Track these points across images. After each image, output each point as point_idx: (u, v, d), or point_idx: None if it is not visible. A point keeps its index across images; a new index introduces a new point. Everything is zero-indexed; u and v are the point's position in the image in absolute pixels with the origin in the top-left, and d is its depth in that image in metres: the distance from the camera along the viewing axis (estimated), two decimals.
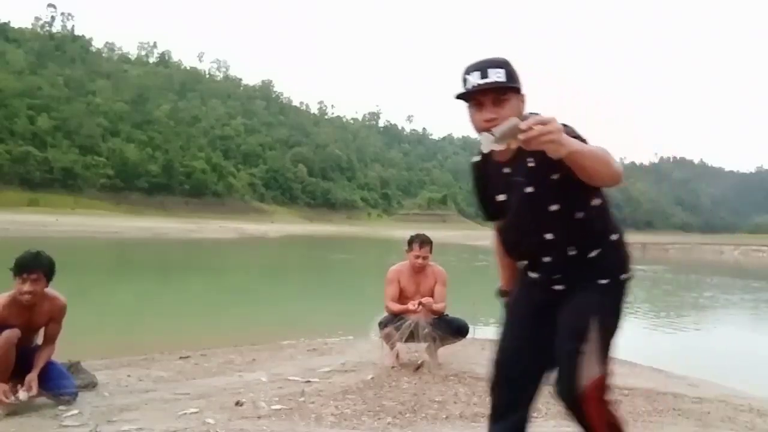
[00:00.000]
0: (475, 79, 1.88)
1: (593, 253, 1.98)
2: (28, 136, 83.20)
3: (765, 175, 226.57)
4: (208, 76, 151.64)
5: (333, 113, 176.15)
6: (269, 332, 7.54)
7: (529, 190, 1.94)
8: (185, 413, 3.55)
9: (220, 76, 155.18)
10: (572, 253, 1.97)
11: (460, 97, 1.93)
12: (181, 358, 5.36)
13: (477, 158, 2.14)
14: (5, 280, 3.60)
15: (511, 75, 1.91)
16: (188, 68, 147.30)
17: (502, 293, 2.33)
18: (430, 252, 4.91)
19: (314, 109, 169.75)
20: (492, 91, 1.88)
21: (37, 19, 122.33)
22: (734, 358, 7.56)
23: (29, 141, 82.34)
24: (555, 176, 1.89)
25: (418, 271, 4.89)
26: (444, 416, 3.63)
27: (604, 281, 1.99)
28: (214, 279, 17.07)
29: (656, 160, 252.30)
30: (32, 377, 3.58)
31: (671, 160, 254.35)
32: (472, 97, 1.90)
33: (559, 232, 1.96)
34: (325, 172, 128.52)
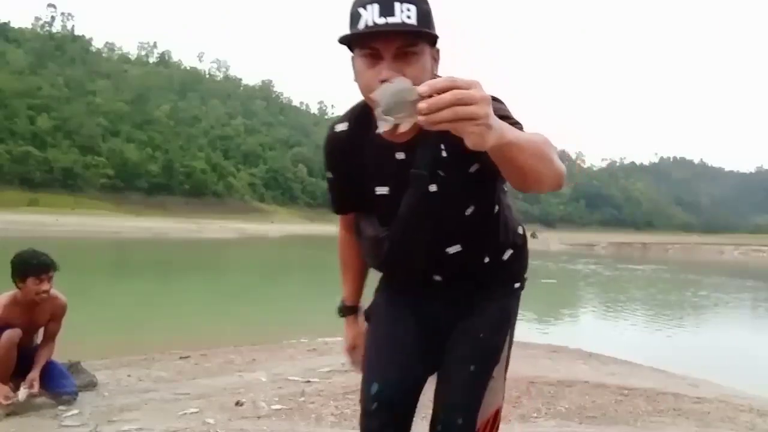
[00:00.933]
0: (372, 15, 1.24)
1: (507, 255, 1.58)
2: (28, 136, 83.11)
3: (765, 176, 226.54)
4: (208, 76, 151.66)
5: (333, 113, 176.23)
6: (269, 332, 7.54)
7: (434, 188, 1.42)
8: (185, 413, 3.55)
9: (220, 76, 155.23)
10: (486, 261, 1.55)
11: (345, 41, 1.31)
12: (181, 358, 5.37)
13: (343, 126, 1.53)
14: (5, 280, 3.60)
15: (425, 16, 1.28)
16: (188, 68, 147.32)
17: (347, 310, 1.78)
18: None
19: (314, 109, 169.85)
20: (397, 37, 1.25)
21: (37, 19, 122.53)
22: (734, 358, 7.56)
23: (29, 141, 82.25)
24: (473, 168, 1.41)
25: None
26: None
27: (516, 285, 1.62)
28: (215, 279, 17.07)
29: (656, 160, 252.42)
30: (33, 376, 3.59)
31: (671, 160, 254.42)
32: (365, 42, 1.27)
33: (471, 241, 1.51)
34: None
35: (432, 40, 1.32)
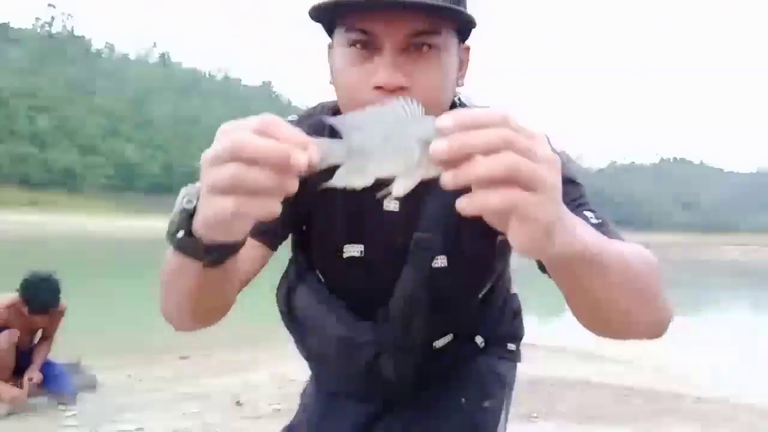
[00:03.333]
0: None
1: (502, 323, 1.17)
2: (28, 136, 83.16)
3: (765, 176, 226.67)
4: (208, 76, 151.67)
5: None
6: (269, 332, 7.51)
7: (442, 263, 0.95)
8: (185, 413, 3.55)
9: (220, 76, 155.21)
10: (480, 343, 1.12)
11: (321, 14, 0.83)
12: (181, 358, 5.37)
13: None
14: (5, 280, 3.60)
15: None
16: (188, 68, 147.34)
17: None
18: None
19: None
20: (410, 17, 0.77)
21: (37, 19, 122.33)
22: (734, 358, 7.55)
23: (29, 141, 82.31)
24: (501, 237, 0.84)
25: None
26: None
27: (511, 346, 1.17)
28: None
29: (657, 161, 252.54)
30: (32, 370, 3.61)
31: (672, 160, 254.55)
32: (353, 21, 0.80)
33: (464, 326, 1.08)
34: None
35: (464, 28, 0.85)
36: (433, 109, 0.65)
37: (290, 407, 3.74)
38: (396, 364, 1.00)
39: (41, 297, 3.57)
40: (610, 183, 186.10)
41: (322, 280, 1.05)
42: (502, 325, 1.16)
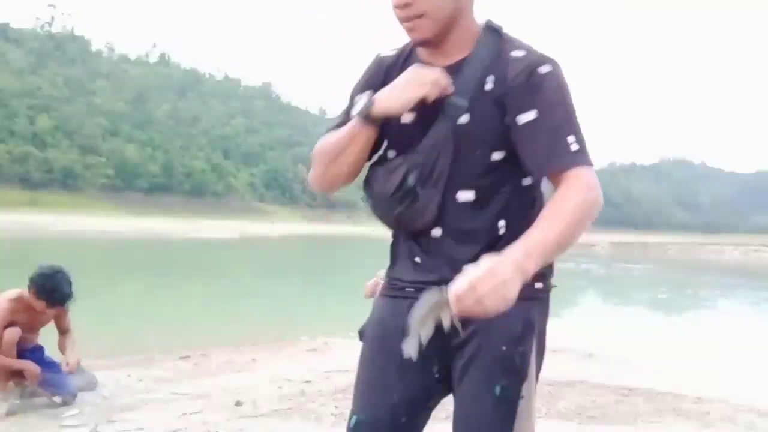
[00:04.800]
0: None
1: None
2: (28, 136, 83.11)
3: (765, 177, 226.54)
4: (207, 76, 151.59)
5: (333, 113, 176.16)
6: (269, 332, 7.54)
7: (465, 120, 1.25)
8: (185, 413, 3.55)
9: (220, 76, 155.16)
10: (500, 232, 1.29)
11: None
12: (181, 358, 5.37)
13: (391, 52, 1.38)
14: (5, 281, 3.60)
15: None
16: (188, 68, 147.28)
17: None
18: None
19: (314, 110, 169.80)
20: None
21: (37, 19, 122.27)
22: (734, 358, 7.55)
23: (29, 141, 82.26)
24: (508, 122, 1.24)
25: None
26: (444, 416, 3.62)
27: (538, 285, 1.30)
28: (215, 279, 17.06)
29: (657, 161, 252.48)
30: (71, 356, 3.67)
31: (672, 160, 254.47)
32: None
33: (486, 193, 1.29)
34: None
35: None
36: (450, 18, 1.22)
37: (290, 407, 3.75)
38: (419, 198, 1.26)
39: (63, 290, 3.57)
40: (610, 183, 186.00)
41: (385, 151, 1.36)
42: None
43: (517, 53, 1.24)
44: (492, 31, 1.28)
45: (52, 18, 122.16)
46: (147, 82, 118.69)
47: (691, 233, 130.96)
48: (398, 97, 1.23)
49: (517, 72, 1.22)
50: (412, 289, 1.31)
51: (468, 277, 1.03)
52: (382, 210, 1.32)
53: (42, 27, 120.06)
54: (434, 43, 1.25)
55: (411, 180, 1.26)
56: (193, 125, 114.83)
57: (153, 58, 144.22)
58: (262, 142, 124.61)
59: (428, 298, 1.09)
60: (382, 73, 1.35)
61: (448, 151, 1.25)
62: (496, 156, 1.25)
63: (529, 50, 1.24)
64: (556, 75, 1.22)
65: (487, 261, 1.04)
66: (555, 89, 1.21)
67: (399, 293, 1.36)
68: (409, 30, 1.23)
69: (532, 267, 1.08)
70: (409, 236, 1.34)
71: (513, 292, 1.04)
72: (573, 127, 1.21)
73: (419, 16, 1.19)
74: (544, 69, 1.21)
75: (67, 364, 3.62)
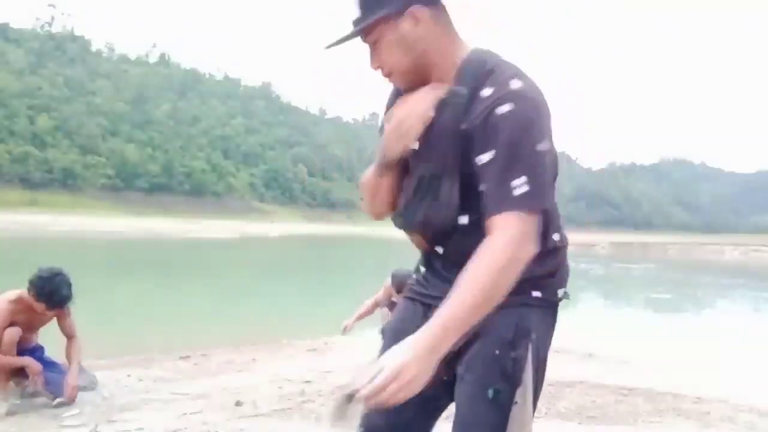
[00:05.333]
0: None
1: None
2: (28, 136, 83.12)
3: (765, 177, 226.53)
4: (207, 76, 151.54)
5: (333, 113, 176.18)
6: (269, 332, 7.54)
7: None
8: (185, 413, 3.55)
9: (220, 76, 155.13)
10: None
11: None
12: (181, 358, 5.37)
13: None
14: (5, 281, 3.60)
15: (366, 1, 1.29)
16: (188, 68, 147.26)
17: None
18: None
19: (314, 110, 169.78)
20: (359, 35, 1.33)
21: (37, 19, 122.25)
22: (734, 358, 7.55)
23: (29, 141, 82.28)
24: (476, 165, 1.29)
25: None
26: (444, 416, 3.63)
27: (535, 293, 1.35)
28: (214, 279, 17.06)
29: (657, 161, 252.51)
30: (72, 375, 3.65)
31: (672, 160, 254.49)
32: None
33: (480, 217, 1.34)
34: (325, 172, 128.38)
35: (387, 17, 1.28)
36: (417, 66, 1.32)
37: (290, 407, 3.75)
38: (417, 217, 1.38)
39: (62, 293, 3.57)
40: (610, 183, 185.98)
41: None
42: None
43: (485, 91, 1.25)
44: (474, 62, 1.31)
45: (52, 18, 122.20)
46: (147, 82, 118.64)
47: (691, 233, 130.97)
48: (396, 145, 1.35)
49: (478, 112, 1.25)
50: (420, 299, 1.46)
51: (377, 379, 1.10)
52: (409, 215, 1.40)
53: (42, 27, 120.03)
54: (415, 87, 1.34)
55: (426, 174, 1.36)
56: (193, 125, 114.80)
57: (153, 58, 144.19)
58: (262, 142, 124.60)
59: (338, 398, 1.15)
60: (394, 95, 1.46)
61: (438, 176, 1.36)
62: (483, 187, 1.27)
63: (500, 86, 1.24)
64: (515, 114, 1.21)
65: (397, 358, 1.12)
66: (512, 129, 1.21)
67: (416, 297, 1.49)
68: (391, 83, 1.41)
69: (449, 344, 1.15)
70: (423, 249, 1.47)
71: (420, 385, 1.13)
72: (525, 169, 1.21)
73: (390, 74, 1.35)
74: (503, 109, 1.22)
75: (72, 390, 3.61)
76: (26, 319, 3.63)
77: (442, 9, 1.33)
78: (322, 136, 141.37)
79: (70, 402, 3.60)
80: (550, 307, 1.37)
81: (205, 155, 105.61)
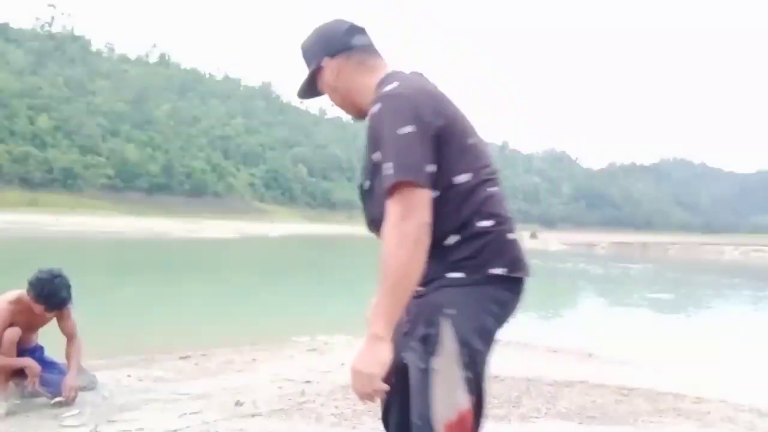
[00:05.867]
0: None
1: (450, 240, 1.46)
2: (28, 136, 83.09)
3: (765, 176, 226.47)
4: (207, 76, 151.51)
5: (333, 113, 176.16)
6: (269, 332, 7.54)
7: (366, 185, 1.58)
8: (185, 413, 3.55)
9: (220, 76, 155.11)
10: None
11: None
12: (181, 358, 5.36)
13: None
14: (5, 281, 3.60)
15: (306, 57, 1.70)
16: (188, 68, 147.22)
17: None
18: None
19: (314, 110, 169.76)
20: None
21: (37, 19, 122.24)
22: (734, 358, 7.55)
23: (29, 141, 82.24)
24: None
25: None
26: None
27: (453, 275, 1.45)
28: (215, 279, 17.06)
29: (657, 161, 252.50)
30: (72, 376, 3.64)
31: (672, 160, 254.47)
32: None
33: None
34: (325, 172, 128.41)
35: (317, 71, 1.66)
36: (349, 103, 1.67)
37: (290, 407, 3.75)
38: (367, 215, 1.59)
39: (60, 295, 3.57)
40: (610, 183, 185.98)
41: None
42: (446, 239, 1.46)
43: (371, 107, 1.51)
44: (378, 85, 1.55)
45: (52, 18, 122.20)
46: (147, 82, 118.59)
47: (691, 233, 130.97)
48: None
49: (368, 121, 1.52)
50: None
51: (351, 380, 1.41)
52: (365, 222, 1.62)
53: (42, 27, 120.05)
54: (358, 115, 1.66)
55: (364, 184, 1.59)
56: (193, 125, 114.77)
57: (153, 58, 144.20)
58: (262, 142, 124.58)
59: None
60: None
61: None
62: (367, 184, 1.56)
63: (377, 94, 1.50)
64: (379, 112, 1.45)
65: (353, 360, 1.39)
66: (377, 125, 1.45)
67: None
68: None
69: (388, 328, 1.36)
70: None
71: (379, 374, 1.36)
72: (391, 153, 1.41)
73: (341, 108, 1.70)
74: (374, 110, 1.47)
75: (74, 389, 3.62)
76: (26, 319, 3.63)
77: (357, 50, 1.63)
78: (322, 136, 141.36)
79: (70, 402, 3.60)
80: (476, 284, 1.45)
81: (205, 155, 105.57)
